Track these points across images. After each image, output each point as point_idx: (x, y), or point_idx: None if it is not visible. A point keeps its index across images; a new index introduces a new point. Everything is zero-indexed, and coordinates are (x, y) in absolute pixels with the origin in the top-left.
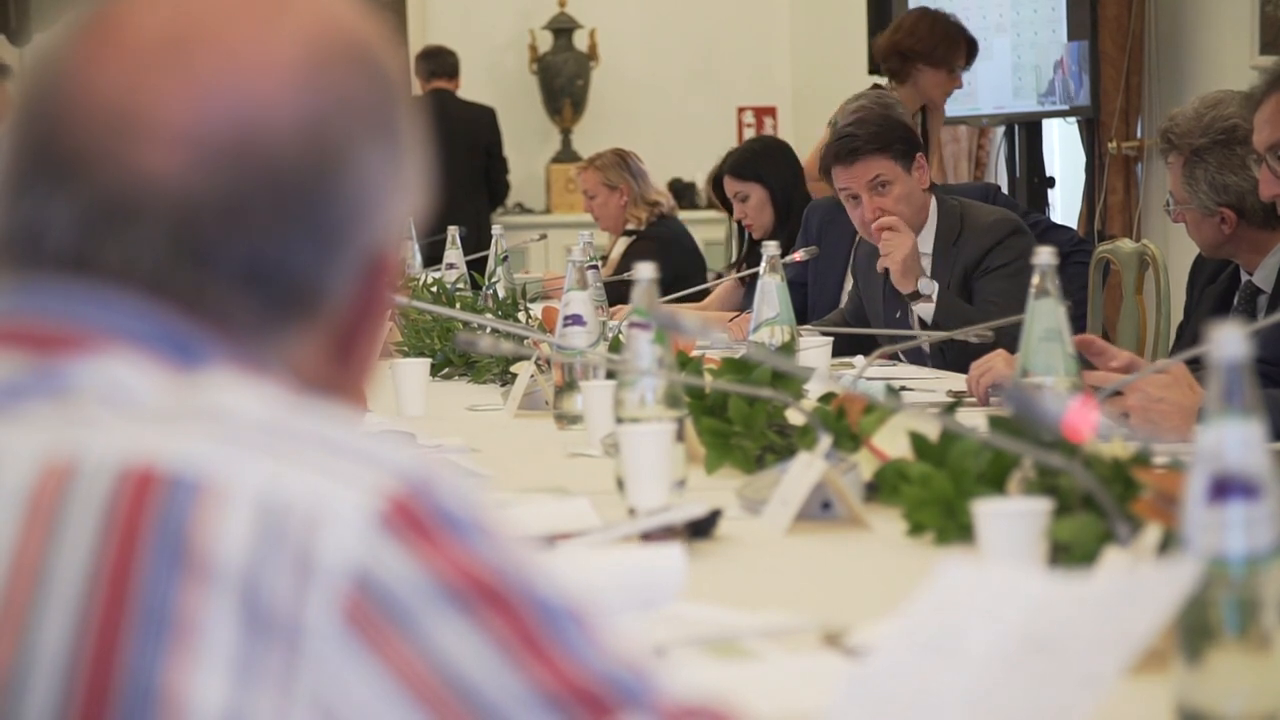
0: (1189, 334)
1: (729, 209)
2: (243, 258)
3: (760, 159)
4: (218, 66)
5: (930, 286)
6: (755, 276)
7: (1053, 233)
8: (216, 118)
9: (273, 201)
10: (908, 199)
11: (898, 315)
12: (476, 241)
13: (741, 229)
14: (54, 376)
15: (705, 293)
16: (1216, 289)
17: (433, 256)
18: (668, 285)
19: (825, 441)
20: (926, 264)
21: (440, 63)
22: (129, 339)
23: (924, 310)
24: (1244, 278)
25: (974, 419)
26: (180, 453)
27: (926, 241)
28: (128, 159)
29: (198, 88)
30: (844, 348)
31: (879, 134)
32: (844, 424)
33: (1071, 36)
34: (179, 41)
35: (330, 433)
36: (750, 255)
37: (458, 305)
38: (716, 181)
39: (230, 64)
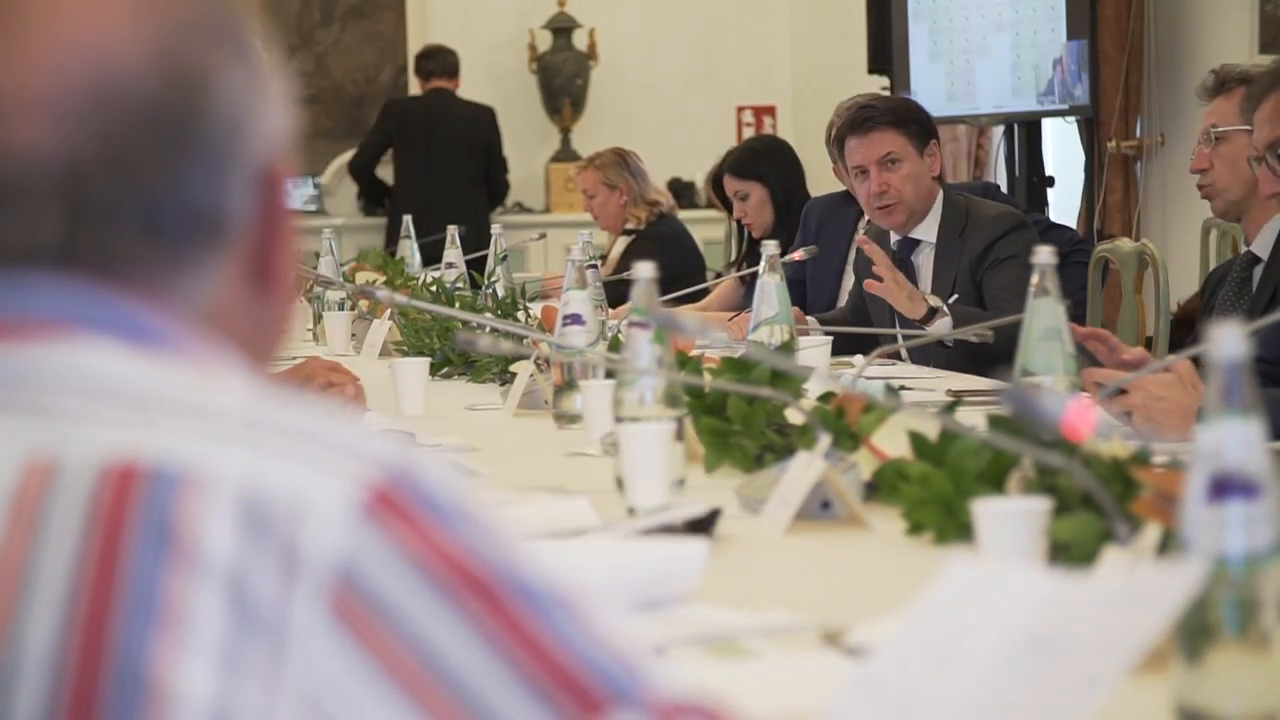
0: (1195, 334)
1: (729, 208)
2: (138, 204)
3: (760, 158)
4: (56, 26)
5: (936, 301)
6: (755, 276)
7: (1052, 232)
8: (68, 75)
9: (148, 141)
10: (915, 180)
11: None
12: (476, 241)
13: (741, 228)
14: (9, 364)
15: (705, 292)
16: (1219, 282)
17: (432, 256)
18: (667, 284)
19: (824, 441)
20: (929, 254)
21: (440, 62)
22: (73, 324)
23: (942, 326)
24: (1243, 249)
25: (973, 418)
26: (161, 447)
27: (931, 231)
28: None
29: (43, 52)
30: (844, 346)
31: (896, 109)
32: (843, 423)
33: (1071, 35)
34: (11, 13)
35: (309, 423)
36: (750, 254)
37: (457, 304)
38: (716, 180)
39: (67, 21)
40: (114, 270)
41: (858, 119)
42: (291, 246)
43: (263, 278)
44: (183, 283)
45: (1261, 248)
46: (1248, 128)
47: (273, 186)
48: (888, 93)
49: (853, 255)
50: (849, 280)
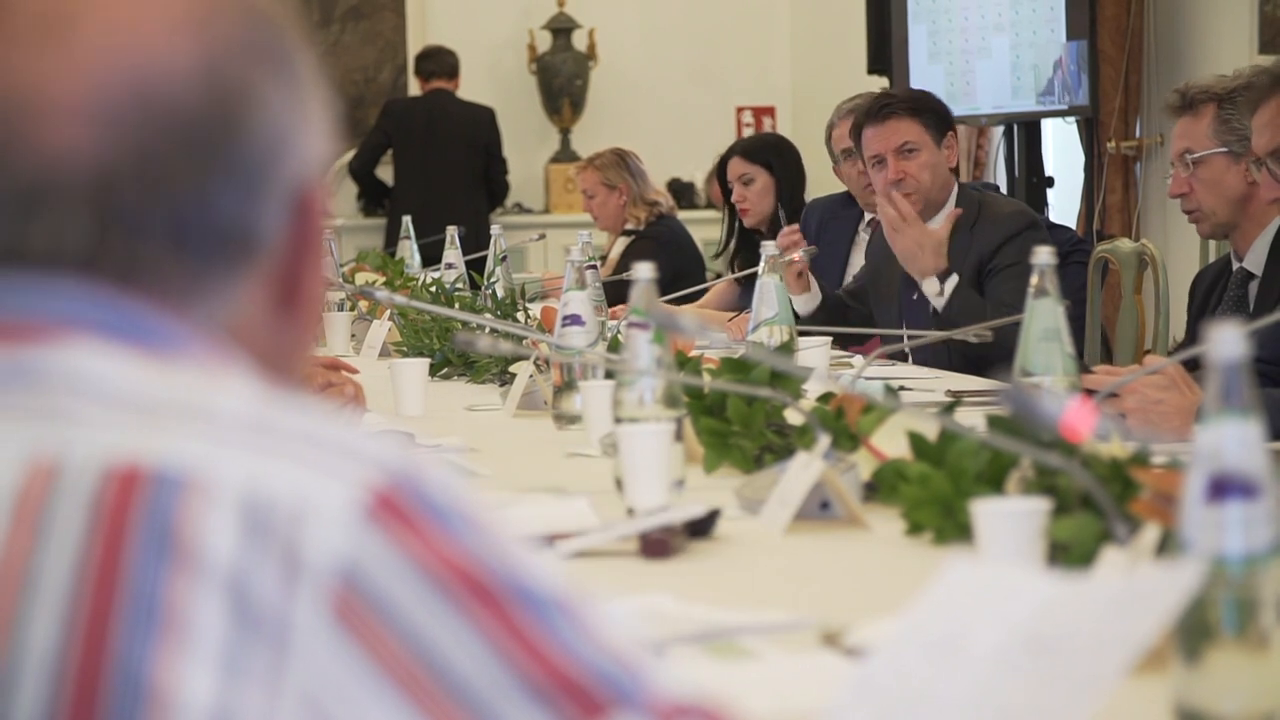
0: (1187, 340)
1: (726, 197)
2: (168, 217)
3: (772, 150)
4: (103, 32)
5: (934, 286)
6: (750, 275)
7: (1052, 232)
8: (112, 83)
9: (185, 154)
10: (933, 169)
11: (915, 297)
12: (475, 241)
13: (733, 219)
14: (15, 366)
15: (704, 293)
16: (1212, 290)
17: (432, 256)
18: (667, 285)
19: (824, 441)
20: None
21: (439, 63)
22: (82, 326)
23: (936, 300)
24: (1235, 264)
25: (973, 419)
26: (164, 450)
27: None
28: (33, 142)
29: (88, 57)
30: (841, 338)
31: (915, 98)
32: (842, 424)
33: (1070, 36)
34: (60, 16)
35: (312, 426)
36: (741, 247)
37: (457, 305)
38: (722, 165)
39: (115, 28)
40: (137, 279)
41: (874, 107)
42: (320, 272)
43: (289, 300)
44: (206, 297)
45: (1254, 264)
46: (1223, 149)
47: (306, 211)
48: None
49: (854, 254)
50: (849, 280)
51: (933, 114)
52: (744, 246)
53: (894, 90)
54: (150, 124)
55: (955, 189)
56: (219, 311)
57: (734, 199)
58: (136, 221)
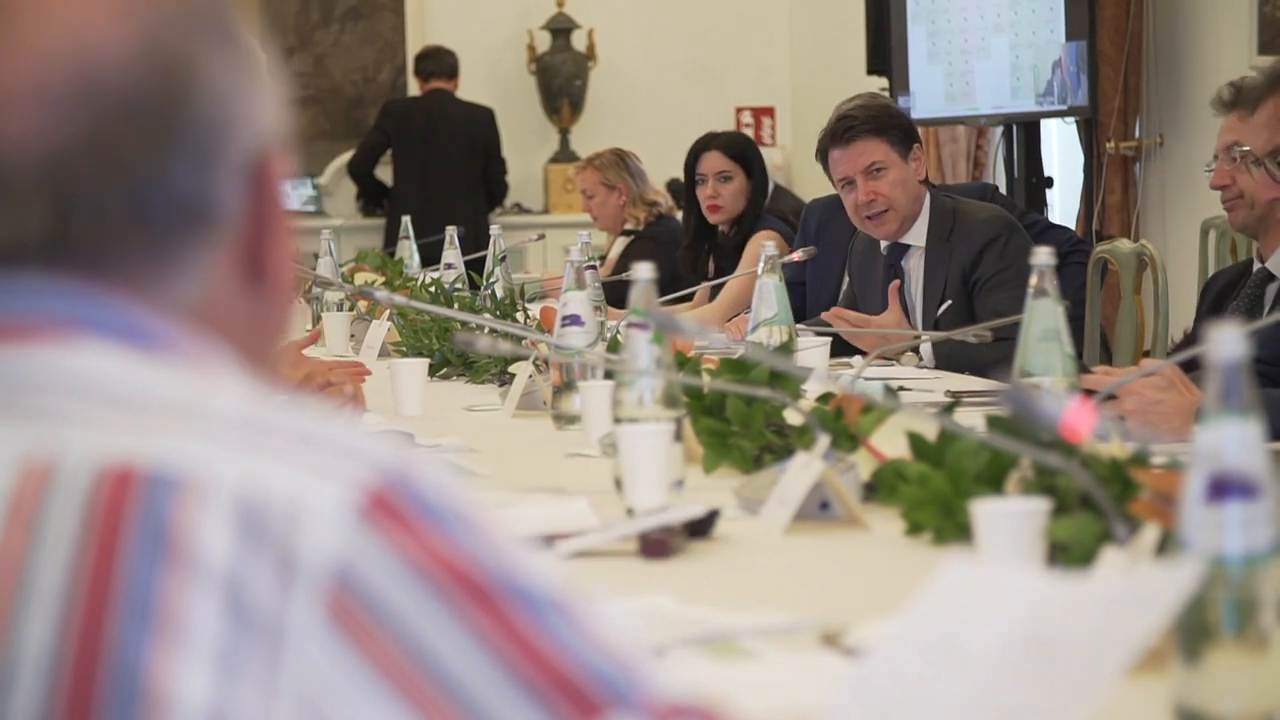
0: (1191, 340)
1: (691, 189)
2: (124, 196)
3: (752, 150)
4: (39, 17)
5: (914, 357)
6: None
7: (1051, 233)
8: (53, 68)
9: (134, 132)
10: (903, 185)
11: None
12: (474, 242)
13: (695, 216)
14: (7, 366)
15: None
16: (1227, 291)
17: (431, 256)
18: (665, 285)
19: (823, 441)
20: (919, 258)
21: (439, 63)
22: (75, 326)
23: (923, 365)
24: (1256, 265)
25: (972, 419)
26: (158, 450)
27: (920, 235)
28: None
29: (27, 45)
30: (839, 347)
31: (876, 117)
32: (842, 424)
33: (1070, 36)
34: (1, 7)
35: (306, 426)
36: (707, 241)
37: (456, 305)
38: (693, 156)
39: (53, 14)
40: (103, 265)
41: (838, 130)
42: (285, 241)
43: (256, 272)
44: (172, 276)
45: (1277, 266)
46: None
47: (264, 179)
48: (886, 94)
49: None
50: (847, 281)
51: (897, 130)
52: (707, 244)
53: (854, 110)
54: (96, 105)
55: (928, 198)
56: (187, 290)
57: (705, 194)
58: (94, 204)
